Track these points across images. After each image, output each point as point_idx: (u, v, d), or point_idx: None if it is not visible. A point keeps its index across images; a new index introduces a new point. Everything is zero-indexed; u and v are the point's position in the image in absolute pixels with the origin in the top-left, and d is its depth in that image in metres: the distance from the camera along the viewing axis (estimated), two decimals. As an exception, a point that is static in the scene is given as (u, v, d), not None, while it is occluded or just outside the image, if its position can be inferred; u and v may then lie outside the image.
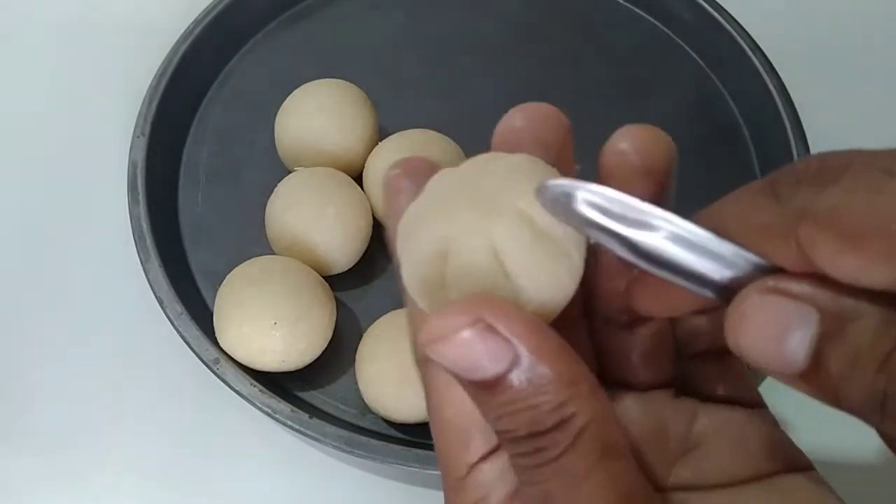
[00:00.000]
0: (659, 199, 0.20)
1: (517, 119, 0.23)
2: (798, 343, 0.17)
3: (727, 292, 0.18)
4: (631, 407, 0.24)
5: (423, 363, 0.22)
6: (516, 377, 0.19)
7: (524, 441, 0.19)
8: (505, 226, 0.19)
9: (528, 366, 0.19)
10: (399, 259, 0.21)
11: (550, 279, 0.19)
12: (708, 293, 0.19)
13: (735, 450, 0.23)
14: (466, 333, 0.18)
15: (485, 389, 0.19)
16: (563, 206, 0.19)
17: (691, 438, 0.24)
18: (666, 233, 0.18)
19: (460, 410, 0.21)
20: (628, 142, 0.21)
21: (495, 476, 0.21)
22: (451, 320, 0.19)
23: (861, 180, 0.17)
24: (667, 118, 0.49)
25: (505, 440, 0.20)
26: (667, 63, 0.51)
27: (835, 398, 0.17)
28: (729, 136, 0.49)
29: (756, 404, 0.24)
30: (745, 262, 0.18)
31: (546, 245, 0.19)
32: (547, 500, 0.19)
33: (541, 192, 0.19)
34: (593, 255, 0.21)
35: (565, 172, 0.21)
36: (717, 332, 0.23)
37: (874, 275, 0.16)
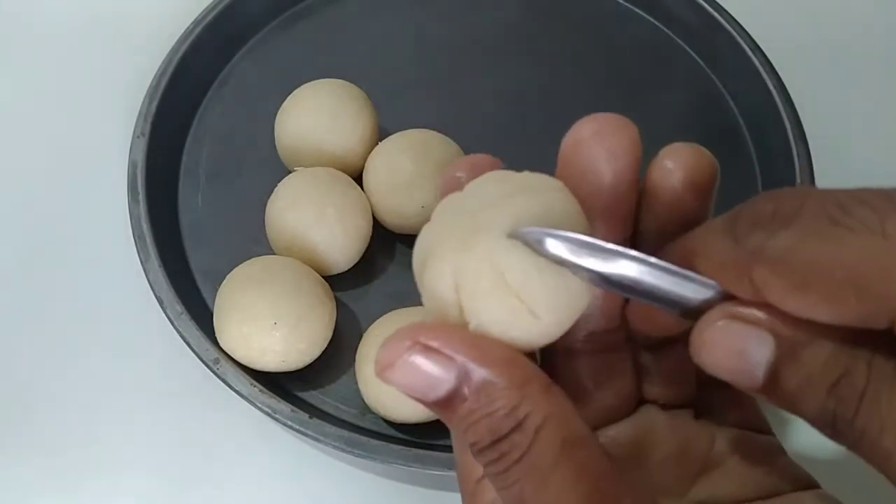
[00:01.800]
0: (701, 216, 0.23)
1: (586, 130, 0.23)
2: (756, 363, 0.19)
3: (694, 312, 0.20)
4: (662, 424, 0.25)
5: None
6: (468, 390, 0.20)
7: (489, 449, 0.20)
8: (510, 256, 0.20)
9: (475, 377, 0.20)
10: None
11: (555, 298, 0.20)
12: (677, 313, 0.20)
13: (749, 470, 0.25)
14: (408, 357, 0.20)
15: (444, 408, 0.20)
16: (537, 249, 0.20)
17: (710, 458, 0.25)
18: (631, 265, 0.20)
19: None
20: (673, 159, 0.23)
21: None
22: (392, 347, 0.20)
23: (809, 227, 0.18)
24: (666, 118, 0.49)
25: (476, 454, 0.21)
26: (667, 63, 0.51)
27: (792, 409, 0.19)
28: (729, 136, 0.49)
29: (765, 431, 0.26)
30: (707, 287, 0.20)
31: (542, 272, 0.20)
32: (520, 501, 0.20)
33: (514, 236, 0.20)
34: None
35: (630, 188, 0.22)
36: None
37: (820, 313, 0.18)
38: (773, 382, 0.19)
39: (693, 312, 0.20)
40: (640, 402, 0.26)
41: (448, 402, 0.20)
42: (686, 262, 0.20)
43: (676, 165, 0.23)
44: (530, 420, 0.20)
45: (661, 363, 0.26)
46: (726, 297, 0.20)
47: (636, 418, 0.25)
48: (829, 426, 0.19)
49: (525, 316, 0.20)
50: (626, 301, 0.24)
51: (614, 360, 0.25)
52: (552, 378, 0.20)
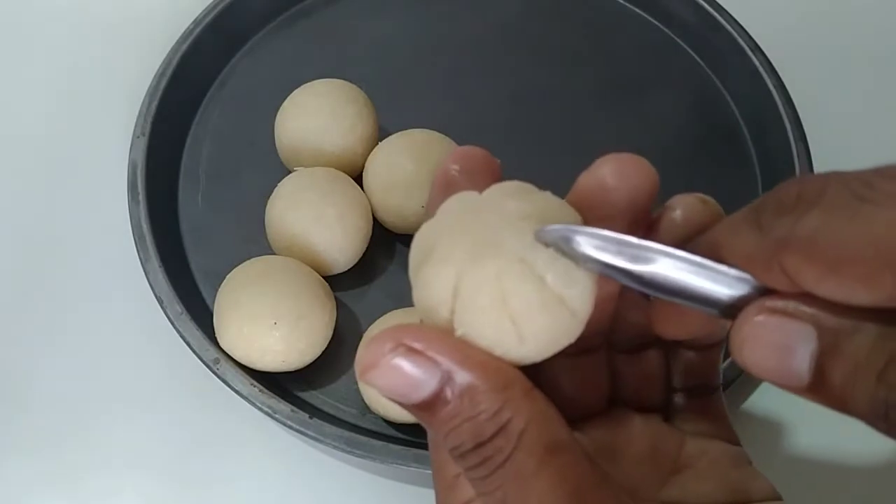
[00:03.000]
0: (639, 226, 0.22)
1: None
2: (800, 359, 0.18)
3: (732, 310, 0.19)
4: (635, 424, 0.26)
5: None
6: (450, 393, 0.20)
7: (472, 454, 0.20)
8: (510, 268, 0.20)
9: (458, 380, 0.20)
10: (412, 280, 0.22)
11: (548, 319, 0.20)
12: (713, 312, 0.20)
13: (717, 477, 0.25)
14: (391, 359, 0.20)
15: (426, 410, 0.20)
16: (564, 248, 0.20)
17: (680, 461, 0.25)
18: (663, 262, 0.19)
19: None
20: (608, 167, 0.22)
21: None
22: (375, 348, 0.20)
23: (835, 207, 0.17)
24: (667, 118, 0.49)
25: (456, 458, 0.21)
26: (667, 63, 0.51)
27: (842, 407, 0.18)
28: (729, 136, 0.49)
29: (734, 442, 0.26)
30: (743, 282, 0.19)
31: (537, 286, 0.20)
32: None
33: (539, 235, 0.20)
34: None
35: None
36: (707, 371, 0.26)
37: (858, 296, 0.17)
38: (819, 379, 0.18)
39: (730, 310, 0.19)
40: (614, 401, 0.26)
41: (429, 405, 0.20)
42: (712, 257, 0.20)
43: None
44: (513, 424, 0.20)
45: (634, 366, 0.26)
46: (764, 292, 0.19)
47: (610, 417, 0.26)
48: (883, 418, 0.18)
49: (513, 339, 0.20)
50: (617, 307, 0.24)
51: (591, 362, 0.25)
52: (531, 380, 0.21)
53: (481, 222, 0.20)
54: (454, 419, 0.20)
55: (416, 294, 0.21)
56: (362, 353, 0.20)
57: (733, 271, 0.19)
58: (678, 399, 0.27)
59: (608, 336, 0.25)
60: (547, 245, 0.20)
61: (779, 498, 0.25)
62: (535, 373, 0.21)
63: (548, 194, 0.22)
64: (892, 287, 0.16)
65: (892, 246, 0.16)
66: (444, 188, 0.23)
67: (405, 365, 0.20)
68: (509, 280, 0.20)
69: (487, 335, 0.20)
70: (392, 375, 0.20)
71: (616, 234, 0.20)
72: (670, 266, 0.19)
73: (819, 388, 0.18)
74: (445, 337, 0.20)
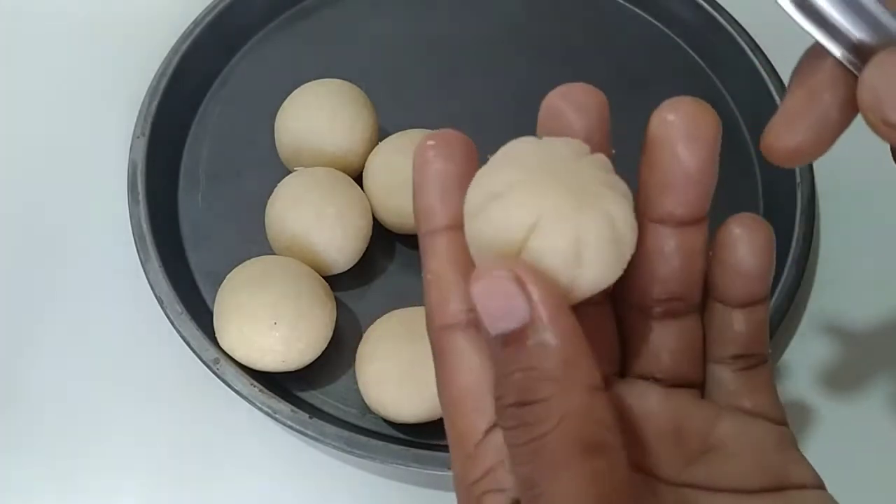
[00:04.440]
0: (706, 169, 0.22)
1: (562, 105, 0.24)
2: None
3: (860, 54, 0.20)
4: (653, 400, 0.24)
5: (439, 332, 0.23)
6: (528, 337, 0.20)
7: (512, 410, 0.20)
8: (595, 223, 0.21)
9: (539, 329, 0.20)
10: (468, 210, 0.22)
11: (609, 272, 0.21)
12: (841, 51, 0.20)
13: (753, 459, 0.24)
14: (504, 279, 0.20)
15: (500, 343, 0.20)
16: None
17: (711, 440, 0.24)
18: None
19: (476, 378, 0.22)
20: (675, 113, 0.23)
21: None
22: (495, 264, 0.20)
23: None
24: (667, 118, 0.49)
25: (498, 409, 0.20)
26: (667, 63, 0.51)
27: None
28: (729, 136, 0.48)
29: (779, 421, 0.25)
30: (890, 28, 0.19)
31: (618, 248, 0.21)
32: (529, 487, 0.20)
33: None
34: (642, 244, 0.23)
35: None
36: (750, 336, 0.25)
37: None
38: None
39: (859, 52, 0.19)
40: (633, 376, 0.25)
41: (506, 339, 0.20)
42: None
43: (678, 118, 0.23)
44: (555, 403, 0.19)
45: (665, 337, 0.25)
46: None
47: (624, 389, 0.25)
48: None
49: (575, 276, 0.21)
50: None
51: (598, 312, 0.24)
52: None
53: (561, 170, 0.21)
54: (516, 363, 0.20)
55: (479, 228, 0.21)
56: (482, 264, 0.21)
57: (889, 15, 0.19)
58: (720, 371, 0.25)
59: (617, 295, 0.25)
60: None
61: (821, 486, 0.24)
62: None
63: (567, 140, 0.23)
64: None
65: None
66: (424, 162, 0.24)
67: (512, 290, 0.20)
68: (589, 230, 0.21)
69: (555, 270, 0.21)
70: (495, 295, 0.20)
71: None
72: None
73: None
74: (551, 288, 0.20)
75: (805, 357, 0.43)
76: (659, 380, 0.25)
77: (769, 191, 0.46)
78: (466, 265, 0.22)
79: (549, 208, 0.21)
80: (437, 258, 0.23)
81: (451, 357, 0.22)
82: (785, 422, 0.25)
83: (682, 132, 0.22)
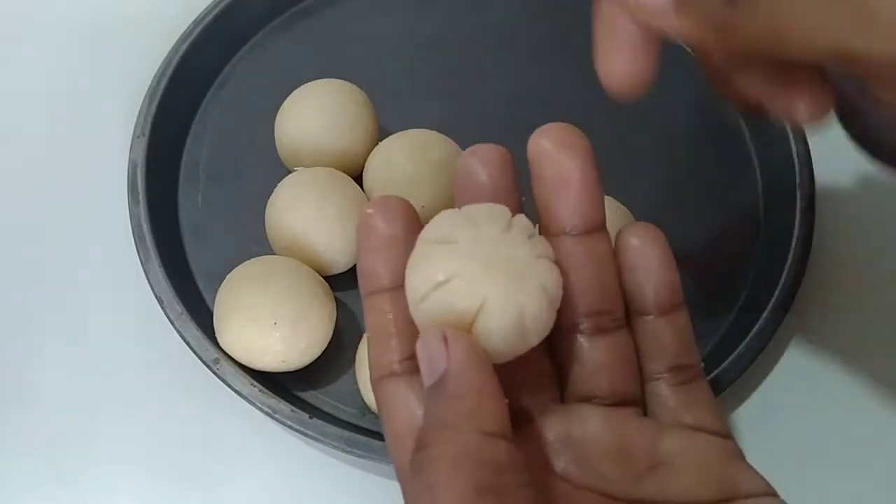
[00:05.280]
0: (587, 176, 0.25)
1: (479, 172, 0.26)
2: None
3: None
4: (595, 422, 0.25)
5: (378, 383, 0.25)
6: (443, 388, 0.22)
7: (415, 457, 0.22)
8: (533, 297, 0.23)
9: (451, 380, 0.22)
10: (413, 296, 0.24)
11: (548, 326, 0.24)
12: None
13: (700, 472, 0.25)
14: (434, 335, 0.23)
15: (429, 395, 0.23)
16: None
17: (657, 456, 0.25)
18: None
19: (410, 423, 0.24)
20: (546, 136, 0.26)
21: None
22: (434, 328, 0.23)
23: None
24: (667, 118, 0.49)
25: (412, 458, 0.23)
26: (667, 63, 0.51)
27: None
28: (729, 136, 0.49)
29: (722, 434, 0.26)
30: None
31: (552, 306, 0.24)
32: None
33: None
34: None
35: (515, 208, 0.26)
36: (677, 345, 0.26)
37: None
38: None
39: None
40: (578, 397, 0.26)
41: (433, 389, 0.23)
42: None
43: (549, 139, 0.26)
44: (449, 449, 0.21)
45: (598, 355, 0.26)
46: None
47: (565, 414, 0.25)
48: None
49: (520, 344, 0.24)
50: None
51: (531, 352, 0.25)
52: None
53: (494, 252, 0.24)
54: (429, 412, 0.23)
55: (428, 313, 0.24)
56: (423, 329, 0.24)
57: None
58: (658, 388, 0.26)
59: (560, 318, 0.26)
60: None
61: (773, 493, 0.25)
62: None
63: (486, 206, 0.25)
64: None
65: None
66: (367, 230, 0.26)
67: (438, 347, 0.22)
68: (530, 303, 0.23)
69: (500, 344, 0.23)
70: (427, 351, 0.23)
71: None
72: None
73: None
74: (471, 346, 0.23)
75: (805, 357, 0.43)
76: (600, 399, 0.26)
77: (769, 191, 0.46)
78: (404, 322, 0.25)
79: (490, 294, 0.23)
80: (379, 316, 0.25)
81: (388, 403, 0.25)
82: (728, 434, 0.26)
83: (556, 145, 0.26)
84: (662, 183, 0.46)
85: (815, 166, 0.45)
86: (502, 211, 0.25)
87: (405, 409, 0.24)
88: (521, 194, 0.26)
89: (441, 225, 0.24)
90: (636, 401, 0.26)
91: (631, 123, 0.48)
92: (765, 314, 0.41)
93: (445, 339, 0.22)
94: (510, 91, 0.50)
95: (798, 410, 0.42)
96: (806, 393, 0.43)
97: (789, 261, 0.42)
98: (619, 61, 0.27)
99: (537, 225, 0.26)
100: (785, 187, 0.45)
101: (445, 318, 0.23)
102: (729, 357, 0.40)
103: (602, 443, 0.25)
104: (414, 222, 0.25)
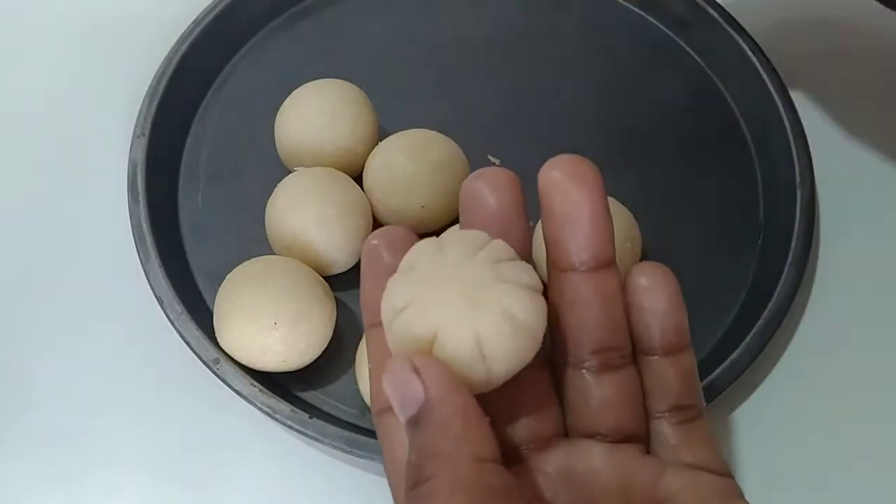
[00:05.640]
0: (598, 210, 0.25)
1: (486, 196, 0.26)
2: None
3: None
4: (598, 458, 0.25)
5: (379, 415, 0.25)
6: (424, 419, 0.22)
7: (410, 495, 0.22)
8: (491, 320, 0.22)
9: (432, 410, 0.22)
10: (383, 320, 0.24)
11: (521, 356, 0.23)
12: None
13: None
14: (403, 366, 0.22)
15: (408, 428, 0.23)
16: None
17: (658, 494, 0.25)
18: None
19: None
20: (557, 168, 0.25)
21: None
22: (399, 357, 0.23)
23: None
24: (667, 118, 0.49)
25: (406, 498, 0.22)
26: (667, 63, 0.51)
27: None
28: (729, 136, 0.49)
29: (722, 473, 0.26)
30: None
31: (521, 333, 0.23)
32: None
33: None
34: (561, 296, 0.25)
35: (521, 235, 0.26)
36: (680, 386, 0.26)
37: None
38: None
39: None
40: (583, 434, 0.26)
41: (412, 422, 0.22)
42: None
43: (561, 171, 0.25)
44: (444, 478, 0.21)
45: (604, 392, 0.26)
46: None
47: (568, 449, 0.26)
48: None
49: (484, 373, 0.23)
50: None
51: (532, 377, 0.25)
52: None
53: (452, 276, 0.23)
54: (414, 445, 0.22)
55: (391, 340, 0.24)
56: (389, 362, 0.23)
57: None
58: (660, 426, 0.26)
59: (557, 352, 0.26)
60: None
61: None
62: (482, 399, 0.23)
63: (498, 241, 0.25)
64: None
65: None
66: (370, 261, 0.26)
67: (410, 378, 0.22)
68: (487, 327, 0.22)
69: (459, 370, 0.23)
70: (398, 384, 0.22)
71: None
72: None
73: None
74: (445, 372, 0.22)
75: (805, 357, 0.43)
76: (604, 436, 0.26)
77: (769, 191, 0.46)
78: None
79: (444, 319, 0.22)
80: (379, 349, 0.25)
81: (388, 436, 0.25)
82: (729, 473, 0.26)
83: (567, 179, 0.25)
84: (662, 183, 0.46)
85: (815, 166, 0.45)
86: (477, 237, 0.24)
87: (405, 442, 0.24)
88: (528, 219, 0.26)
89: (411, 252, 0.24)
90: (640, 438, 0.26)
91: (631, 123, 0.48)
92: (764, 314, 0.41)
93: (416, 369, 0.22)
94: (510, 91, 0.50)
95: (797, 411, 0.42)
96: (805, 393, 0.43)
97: (789, 261, 0.43)
98: None
99: (536, 257, 0.26)
100: (785, 187, 0.45)
101: (409, 346, 0.23)
102: (728, 358, 0.40)
103: (604, 479, 0.25)
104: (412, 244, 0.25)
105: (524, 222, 0.26)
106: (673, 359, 0.26)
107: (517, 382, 0.23)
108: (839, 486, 0.41)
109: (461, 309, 0.22)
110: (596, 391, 0.26)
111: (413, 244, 0.25)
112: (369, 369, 0.26)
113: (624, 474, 0.25)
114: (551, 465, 0.25)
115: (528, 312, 0.23)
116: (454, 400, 0.22)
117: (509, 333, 0.23)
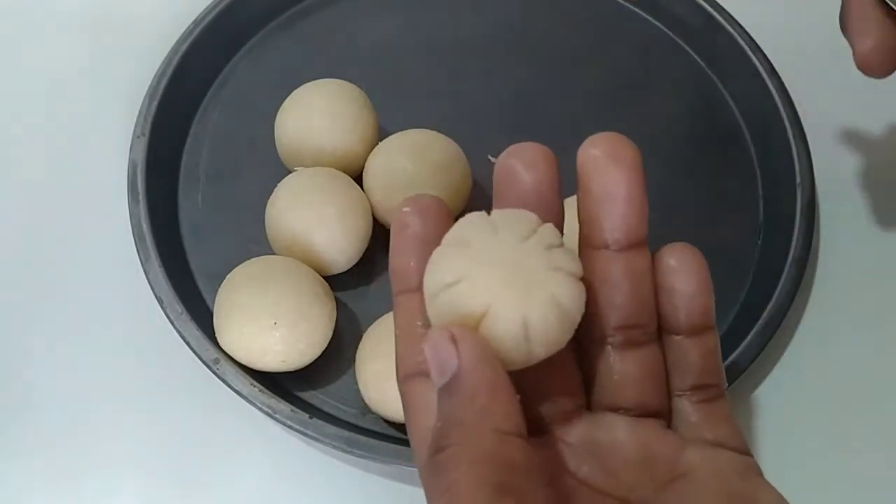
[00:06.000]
0: (634, 191, 0.25)
1: (522, 174, 0.25)
2: None
3: None
4: (620, 431, 0.25)
5: (404, 381, 0.25)
6: (455, 387, 0.22)
7: (432, 460, 0.22)
8: (540, 306, 0.23)
9: (462, 380, 0.22)
10: (426, 292, 0.24)
11: (560, 339, 0.24)
12: None
13: (720, 486, 0.25)
14: (443, 336, 0.22)
15: (441, 396, 0.23)
16: None
17: (678, 468, 0.25)
18: None
19: (434, 421, 0.23)
20: (597, 147, 0.25)
21: None
22: (441, 327, 0.23)
23: None
24: (667, 118, 0.49)
25: (427, 462, 0.22)
26: (667, 63, 0.51)
27: None
28: (729, 136, 0.49)
29: (742, 451, 0.26)
30: None
31: (564, 320, 0.23)
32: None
33: None
34: (591, 273, 0.25)
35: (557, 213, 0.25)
36: (703, 366, 0.26)
37: None
38: None
39: None
40: (599, 409, 0.26)
41: (445, 390, 0.23)
42: None
43: (601, 150, 0.25)
44: (465, 448, 0.21)
45: (627, 367, 0.26)
46: None
47: (591, 421, 0.26)
48: None
49: (526, 353, 0.23)
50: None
51: (561, 357, 0.25)
52: None
53: (506, 259, 0.24)
54: (442, 412, 0.22)
55: (436, 313, 0.24)
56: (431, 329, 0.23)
57: None
58: (681, 404, 0.26)
59: (583, 326, 0.26)
60: None
61: None
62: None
63: (549, 226, 0.25)
64: None
65: None
66: (400, 228, 0.25)
67: (447, 348, 0.22)
68: (535, 312, 0.23)
69: (501, 351, 0.23)
70: (437, 352, 0.23)
71: None
72: None
73: None
74: (481, 345, 0.22)
75: (805, 356, 0.43)
76: (626, 410, 0.26)
77: (769, 191, 0.46)
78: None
79: (496, 299, 0.23)
80: (407, 315, 0.25)
81: (413, 401, 0.25)
82: (748, 452, 0.26)
83: (606, 158, 0.25)
84: (663, 183, 0.46)
85: (815, 166, 0.45)
86: (528, 218, 0.24)
87: (430, 408, 0.24)
88: (562, 199, 0.26)
89: (461, 227, 0.24)
90: (662, 413, 0.26)
91: (631, 123, 0.48)
92: (764, 314, 0.41)
93: (454, 339, 0.22)
94: (510, 91, 0.50)
95: (797, 409, 0.42)
96: (805, 393, 0.43)
97: (789, 261, 0.43)
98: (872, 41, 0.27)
99: (568, 234, 0.26)
100: (785, 187, 0.45)
101: (453, 320, 0.23)
102: (728, 357, 0.40)
103: (626, 451, 0.25)
104: (447, 223, 0.25)
105: (559, 203, 0.26)
106: (697, 339, 0.26)
107: (546, 359, 0.24)
108: (839, 486, 0.41)
109: (514, 292, 0.23)
110: (619, 366, 0.26)
111: (444, 213, 0.25)
112: (395, 335, 0.26)
113: (646, 446, 0.25)
114: (574, 436, 0.25)
115: (571, 300, 0.23)
116: (484, 372, 0.22)
117: (554, 320, 0.23)
